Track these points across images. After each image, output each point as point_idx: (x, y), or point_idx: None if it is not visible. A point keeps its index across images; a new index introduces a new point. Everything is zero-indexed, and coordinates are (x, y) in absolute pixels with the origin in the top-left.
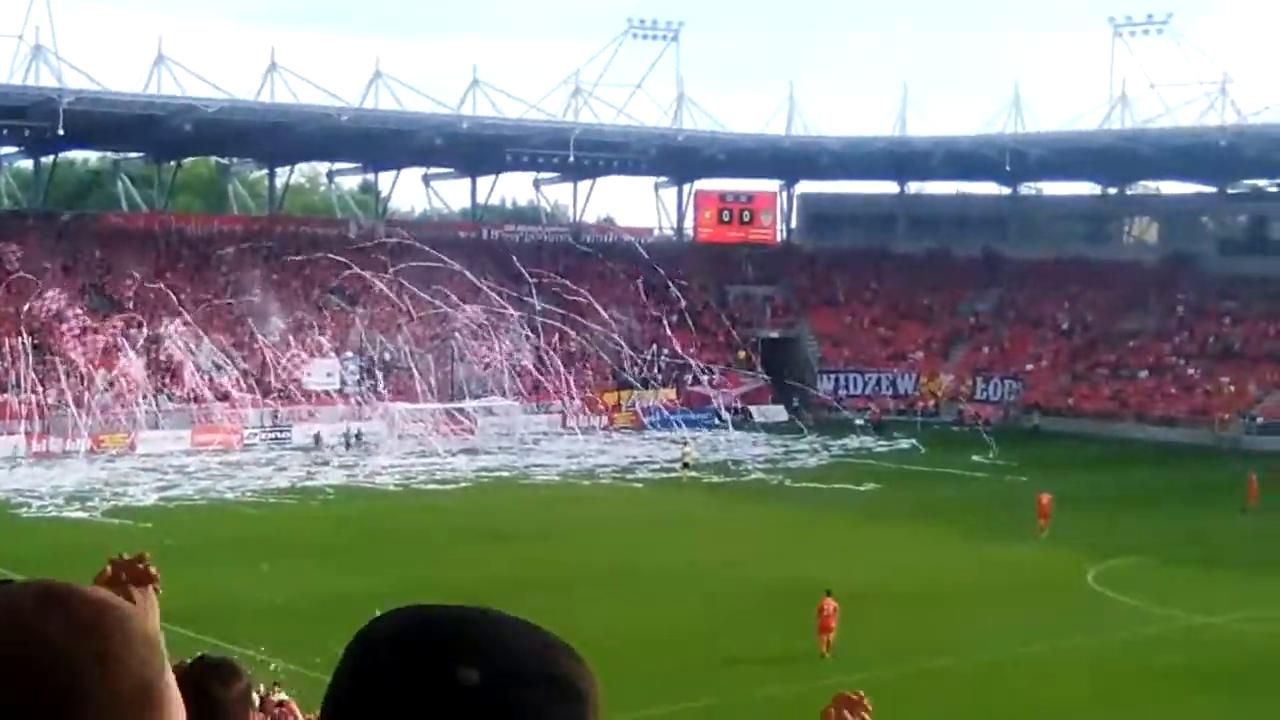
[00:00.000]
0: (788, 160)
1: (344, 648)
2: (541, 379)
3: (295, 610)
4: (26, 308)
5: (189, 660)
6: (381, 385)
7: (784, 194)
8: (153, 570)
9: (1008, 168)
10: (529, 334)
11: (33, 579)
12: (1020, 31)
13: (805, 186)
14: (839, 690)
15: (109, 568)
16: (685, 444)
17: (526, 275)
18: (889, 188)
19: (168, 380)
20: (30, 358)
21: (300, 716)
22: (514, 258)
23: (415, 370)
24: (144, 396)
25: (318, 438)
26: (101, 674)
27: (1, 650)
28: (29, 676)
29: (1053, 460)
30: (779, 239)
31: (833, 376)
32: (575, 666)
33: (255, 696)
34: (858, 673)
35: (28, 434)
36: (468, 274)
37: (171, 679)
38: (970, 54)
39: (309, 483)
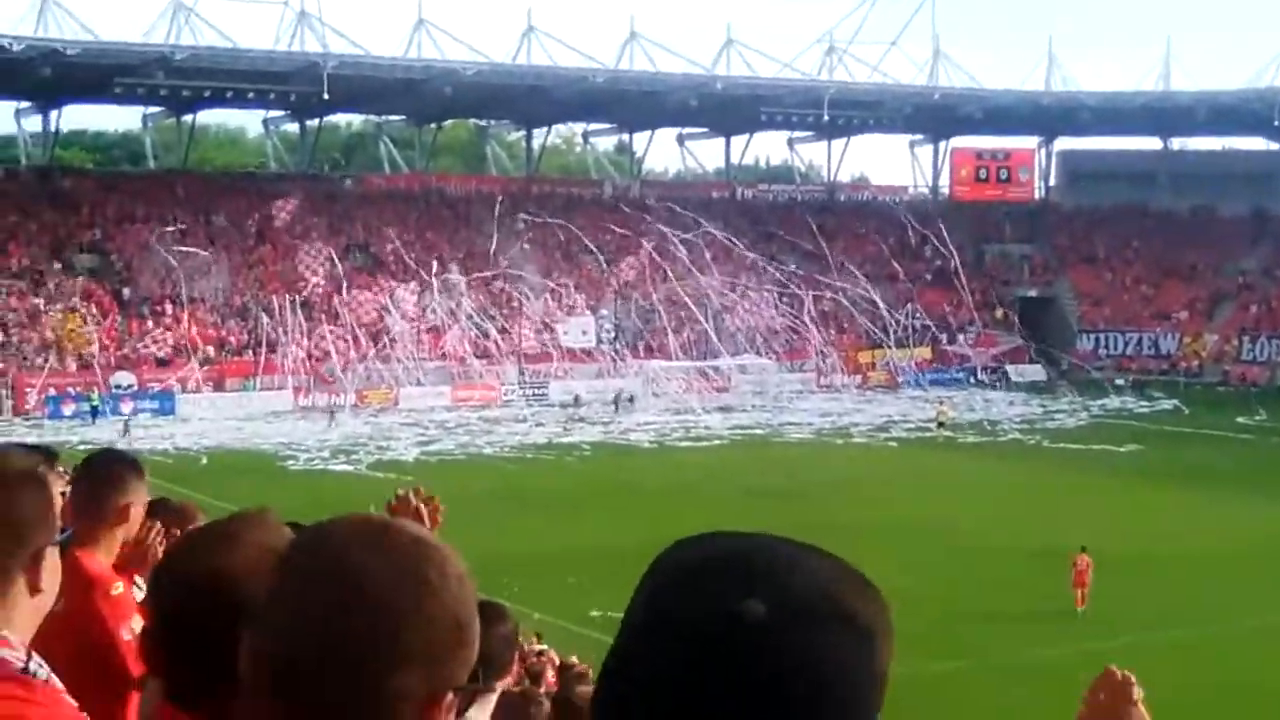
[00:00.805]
0: (1046, 117)
1: (643, 574)
2: (796, 337)
3: (553, 563)
4: (294, 267)
5: None
6: (637, 343)
7: (1042, 151)
8: (438, 508)
9: (1276, 122)
10: (783, 292)
11: (349, 514)
12: None
13: (1064, 143)
14: (1096, 656)
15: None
16: (941, 403)
17: (781, 234)
18: (1151, 144)
19: (430, 337)
20: (298, 315)
21: (557, 664)
22: (768, 217)
23: (669, 329)
24: (407, 354)
25: (577, 398)
26: (420, 611)
27: (329, 587)
28: (355, 613)
29: None
30: (1037, 197)
31: (1093, 336)
32: (864, 600)
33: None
34: (1113, 639)
35: (295, 389)
36: (722, 233)
37: (478, 617)
38: (1236, 4)
39: (566, 439)
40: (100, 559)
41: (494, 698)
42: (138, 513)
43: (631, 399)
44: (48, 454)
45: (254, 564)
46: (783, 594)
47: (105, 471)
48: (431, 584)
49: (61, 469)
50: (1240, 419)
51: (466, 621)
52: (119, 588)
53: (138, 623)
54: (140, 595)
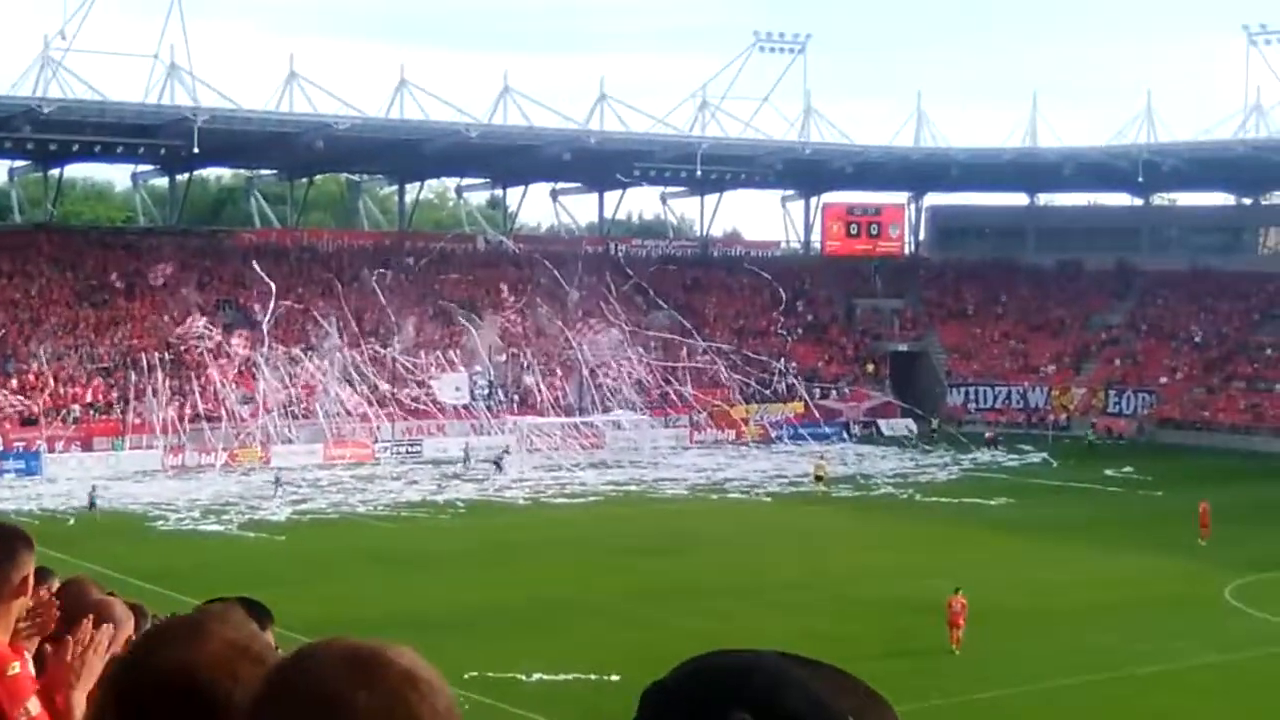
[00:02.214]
0: (916, 172)
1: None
2: (669, 393)
3: (425, 622)
4: (164, 323)
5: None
6: (509, 399)
7: (912, 206)
8: None
9: (1140, 179)
10: (656, 348)
11: (338, 638)
12: (1152, 41)
13: (933, 199)
14: (972, 707)
15: None
16: (821, 458)
17: (653, 289)
18: (1018, 199)
19: (301, 395)
20: (167, 372)
21: None
22: (641, 272)
23: (542, 384)
24: (278, 411)
25: (467, 451)
26: None
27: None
28: None
29: (1189, 474)
30: (907, 251)
31: (962, 390)
32: (861, 710)
33: None
34: (985, 690)
35: (165, 448)
36: (595, 288)
37: None
38: (1101, 64)
39: (439, 497)
40: (2, 639)
41: None
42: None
43: (507, 450)
44: None
45: (222, 660)
46: (770, 706)
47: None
48: (421, 718)
49: None
50: (1108, 472)
51: None
52: (15, 668)
53: (35, 704)
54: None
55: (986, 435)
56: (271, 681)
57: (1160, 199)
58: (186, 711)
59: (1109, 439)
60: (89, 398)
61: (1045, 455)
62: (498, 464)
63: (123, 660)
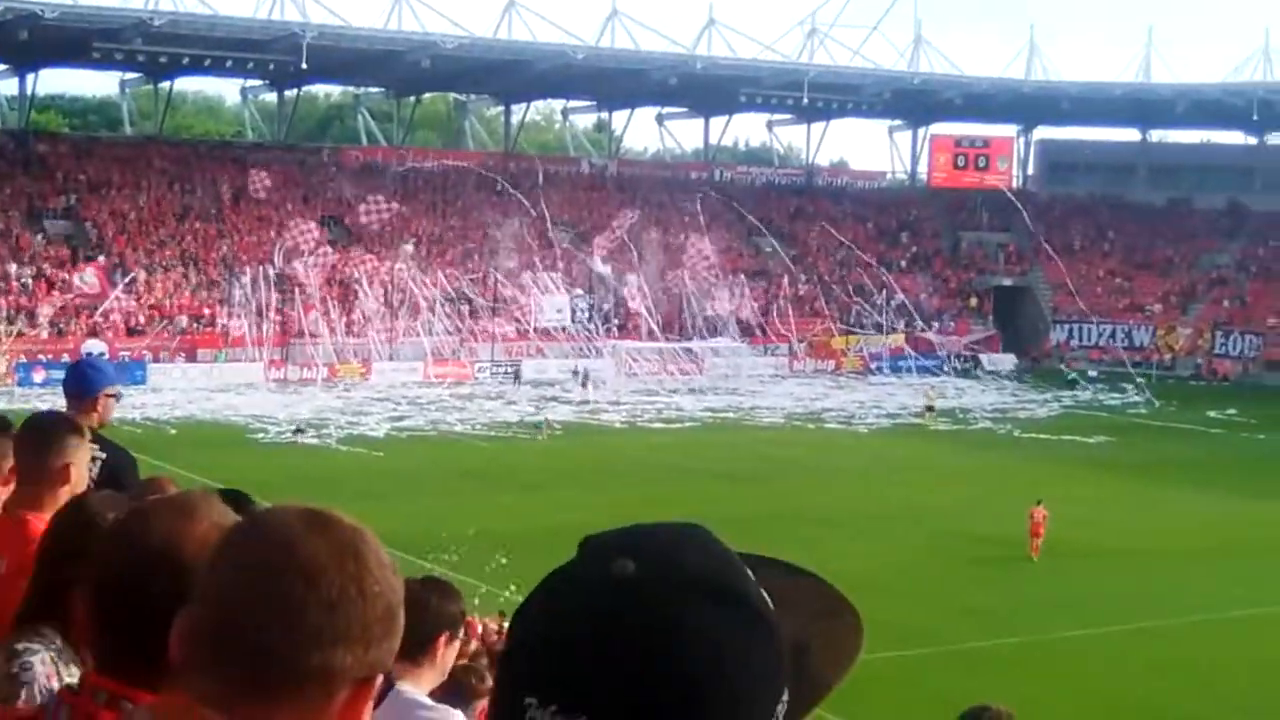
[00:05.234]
0: (1026, 105)
1: None
2: (770, 320)
3: (516, 540)
4: (268, 238)
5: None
6: (610, 323)
7: (1021, 139)
8: None
9: (1255, 117)
10: (757, 275)
11: (294, 503)
12: None
13: (1043, 132)
14: (1057, 643)
15: None
16: (930, 389)
17: (756, 217)
18: (1130, 135)
19: (402, 312)
20: (271, 286)
21: (479, 628)
22: (745, 199)
23: (643, 309)
24: (379, 329)
25: (581, 373)
26: (360, 591)
27: (272, 560)
28: (298, 583)
29: None
30: (1015, 185)
31: (1066, 326)
32: (777, 587)
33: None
34: (1077, 628)
35: (266, 362)
36: (697, 214)
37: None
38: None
39: (536, 417)
40: (47, 519)
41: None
42: (79, 474)
43: (588, 374)
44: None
45: (207, 539)
46: (663, 561)
47: (45, 433)
48: (370, 566)
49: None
50: (1211, 413)
51: (397, 610)
52: None
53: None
54: None
55: (1091, 373)
56: (232, 531)
57: (1276, 138)
58: (165, 586)
59: (1213, 380)
60: (193, 310)
61: (1148, 395)
62: (583, 380)
63: (110, 532)
